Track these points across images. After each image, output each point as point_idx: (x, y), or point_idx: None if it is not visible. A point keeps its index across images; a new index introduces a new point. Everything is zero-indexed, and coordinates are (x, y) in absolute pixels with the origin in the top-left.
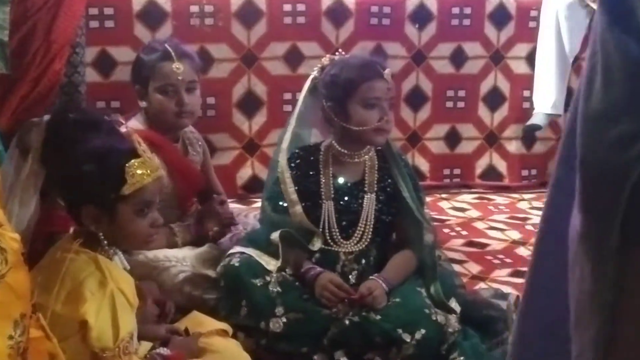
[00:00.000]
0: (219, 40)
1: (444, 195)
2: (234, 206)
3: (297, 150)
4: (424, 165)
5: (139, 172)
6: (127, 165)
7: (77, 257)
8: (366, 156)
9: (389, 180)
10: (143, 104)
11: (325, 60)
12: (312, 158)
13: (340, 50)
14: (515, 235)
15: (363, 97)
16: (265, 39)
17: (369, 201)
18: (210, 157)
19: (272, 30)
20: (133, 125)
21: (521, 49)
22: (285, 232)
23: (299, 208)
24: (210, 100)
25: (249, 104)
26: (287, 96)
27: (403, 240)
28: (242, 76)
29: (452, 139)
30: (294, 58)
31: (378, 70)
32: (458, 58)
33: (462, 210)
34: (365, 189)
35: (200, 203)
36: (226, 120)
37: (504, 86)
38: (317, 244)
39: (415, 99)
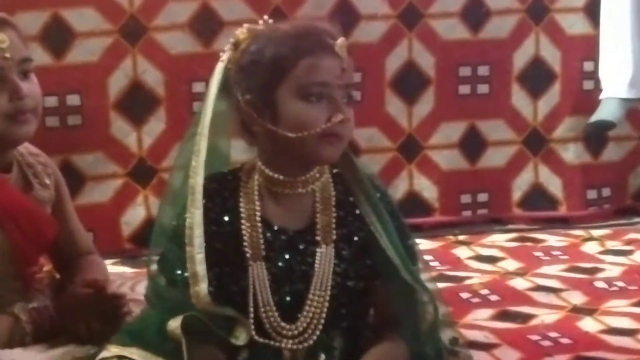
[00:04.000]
0: (84, 4)
1: (461, 238)
2: (116, 271)
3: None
4: (428, 189)
5: None
6: None
7: None
8: (315, 184)
9: (356, 223)
10: None
11: (242, 32)
12: (226, 193)
13: (266, 17)
14: (577, 299)
15: (300, 83)
16: None
17: (324, 259)
18: (68, 193)
19: None
20: None
21: None
22: (190, 318)
23: (203, 287)
24: (71, 99)
25: (136, 103)
26: (198, 88)
27: (386, 321)
28: (124, 58)
29: (472, 145)
30: (205, 26)
31: (324, 41)
32: (474, 14)
33: (492, 260)
34: (317, 238)
35: (55, 266)
36: (99, 130)
37: (551, 56)
38: (242, 336)
39: (409, 83)
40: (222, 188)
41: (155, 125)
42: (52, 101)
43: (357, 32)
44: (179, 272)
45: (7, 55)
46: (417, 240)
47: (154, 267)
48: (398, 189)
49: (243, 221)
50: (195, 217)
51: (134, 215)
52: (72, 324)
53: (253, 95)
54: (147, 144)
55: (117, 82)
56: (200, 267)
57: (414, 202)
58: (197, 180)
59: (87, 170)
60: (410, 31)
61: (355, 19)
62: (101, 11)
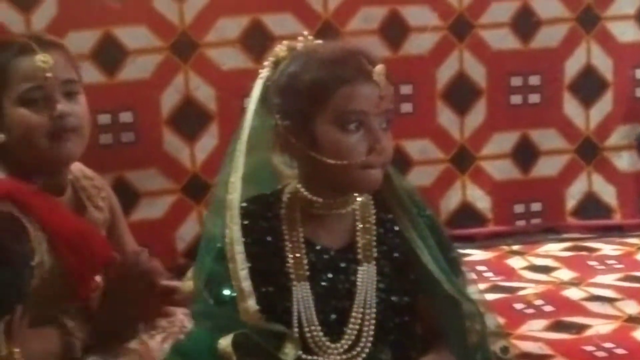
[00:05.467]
0: (135, 21)
1: (515, 248)
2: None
3: (244, 204)
4: (481, 200)
5: None
6: None
7: None
8: (355, 204)
9: (396, 240)
10: (1, 137)
11: (281, 50)
12: (269, 214)
13: (306, 33)
14: (632, 308)
15: (338, 111)
16: (208, 13)
17: (366, 276)
18: (122, 215)
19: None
20: None
21: (626, 3)
22: (240, 336)
23: (252, 304)
24: (124, 116)
25: (189, 119)
26: None
27: (433, 333)
28: (175, 75)
29: (524, 154)
30: (256, 41)
31: (362, 68)
32: (525, 24)
33: (546, 270)
34: (359, 257)
35: None
36: (152, 147)
37: (603, 64)
38: (291, 353)
39: (460, 94)
40: (265, 209)
41: (208, 140)
42: (105, 119)
43: (407, 45)
44: (227, 292)
45: (49, 75)
46: (470, 251)
47: (201, 286)
48: (451, 200)
49: (286, 242)
50: (234, 234)
51: (188, 231)
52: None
53: (291, 120)
54: (200, 160)
55: (169, 99)
56: (246, 283)
57: (468, 213)
58: (235, 196)
59: (141, 186)
60: (460, 42)
61: (405, 31)
62: (152, 28)
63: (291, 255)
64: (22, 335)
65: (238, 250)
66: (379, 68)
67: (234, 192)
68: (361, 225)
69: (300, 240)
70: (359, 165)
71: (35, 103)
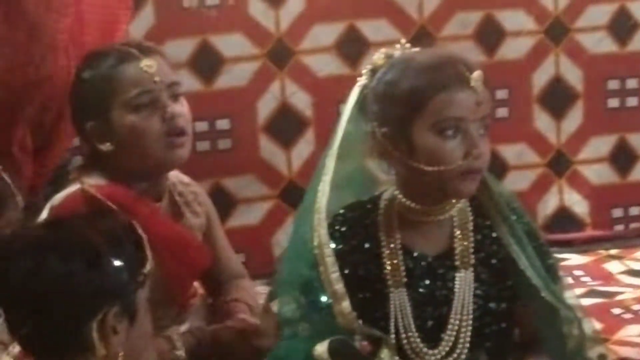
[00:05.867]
0: (231, 29)
1: (613, 252)
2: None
3: (342, 211)
4: (579, 204)
5: None
6: None
7: None
8: (453, 211)
9: (494, 246)
10: (107, 146)
11: (379, 58)
12: (367, 221)
13: (403, 41)
14: None
15: (435, 118)
16: (304, 20)
17: (464, 283)
18: (219, 220)
19: (313, 6)
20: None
21: None
22: (336, 342)
23: (346, 305)
24: (221, 123)
25: (285, 125)
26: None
27: (531, 339)
28: (272, 82)
29: (622, 158)
30: (351, 47)
31: (460, 74)
32: (621, 26)
33: None
34: (456, 263)
35: (208, 290)
36: (249, 154)
37: None
38: (387, 357)
39: (557, 98)
40: (362, 216)
41: (304, 147)
42: (202, 126)
43: (503, 49)
44: (324, 298)
45: (157, 79)
46: (568, 256)
47: (298, 294)
48: (548, 205)
49: (383, 249)
50: (322, 237)
51: (285, 237)
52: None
53: (388, 128)
54: (296, 166)
55: (265, 106)
56: (338, 286)
57: (565, 218)
58: (323, 201)
59: (238, 193)
60: (556, 46)
61: (501, 35)
62: (249, 36)
63: (388, 262)
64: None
65: (327, 254)
66: (477, 74)
67: (323, 196)
68: (459, 232)
69: (398, 247)
70: (456, 171)
71: (144, 108)
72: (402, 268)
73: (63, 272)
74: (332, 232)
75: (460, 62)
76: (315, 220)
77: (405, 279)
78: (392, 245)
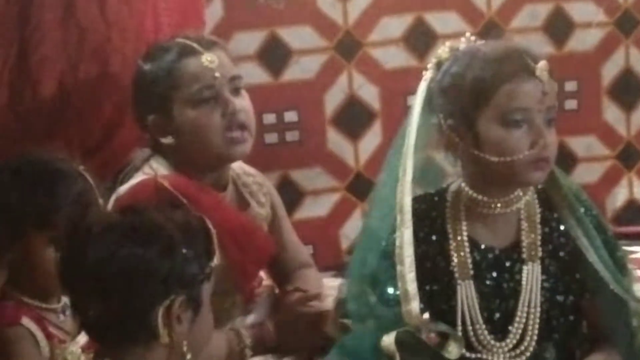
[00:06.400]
0: (299, 22)
1: None
2: (335, 284)
3: None
4: None
5: None
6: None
7: None
8: (520, 203)
9: (562, 239)
10: (168, 139)
11: (444, 52)
12: (434, 214)
13: (468, 34)
14: None
15: (501, 109)
16: (372, 12)
17: (532, 275)
18: (284, 210)
19: None
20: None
21: None
22: (403, 333)
23: (415, 306)
24: (289, 115)
25: (352, 117)
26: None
27: (599, 332)
28: (339, 74)
29: None
30: (419, 40)
31: (525, 65)
32: None
33: None
34: (524, 256)
35: (274, 280)
36: (316, 146)
37: None
38: (455, 350)
39: (627, 89)
40: (430, 209)
41: (372, 139)
42: (270, 118)
43: (572, 41)
44: (391, 290)
45: (217, 74)
46: (637, 248)
47: (365, 285)
48: (617, 198)
49: (451, 241)
50: (405, 237)
51: (352, 229)
52: (288, 340)
53: (454, 120)
54: (363, 158)
55: (333, 98)
56: (412, 286)
57: (634, 210)
58: (406, 200)
59: (306, 185)
60: (627, 38)
61: (570, 27)
62: (316, 28)
63: (455, 254)
64: (204, 336)
65: (408, 254)
66: (542, 64)
67: (405, 196)
68: (526, 224)
69: (465, 240)
70: (524, 161)
71: (205, 103)
72: (469, 261)
73: (138, 255)
74: None
75: (525, 53)
76: (399, 220)
77: (472, 272)
78: (459, 238)
